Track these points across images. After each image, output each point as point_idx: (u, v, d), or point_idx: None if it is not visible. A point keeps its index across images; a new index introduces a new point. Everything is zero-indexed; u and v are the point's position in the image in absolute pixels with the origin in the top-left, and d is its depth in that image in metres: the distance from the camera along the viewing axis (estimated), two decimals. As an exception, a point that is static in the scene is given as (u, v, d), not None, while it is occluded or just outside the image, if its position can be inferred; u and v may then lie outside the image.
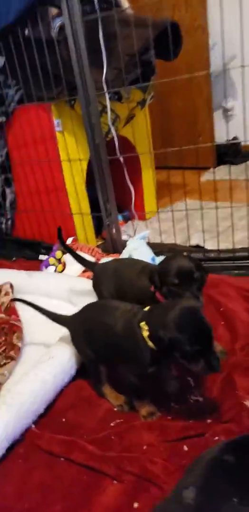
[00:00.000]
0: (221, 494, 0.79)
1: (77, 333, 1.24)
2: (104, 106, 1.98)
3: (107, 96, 1.92)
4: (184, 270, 1.18)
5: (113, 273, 1.46)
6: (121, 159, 1.98)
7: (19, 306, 1.68)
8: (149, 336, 1.02)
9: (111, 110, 1.98)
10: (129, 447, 1.05)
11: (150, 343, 1.02)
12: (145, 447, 1.05)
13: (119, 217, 2.38)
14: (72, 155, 2.09)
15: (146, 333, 1.03)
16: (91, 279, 1.62)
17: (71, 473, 1.01)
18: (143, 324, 1.04)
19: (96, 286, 1.53)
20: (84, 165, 2.13)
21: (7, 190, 2.45)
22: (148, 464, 0.99)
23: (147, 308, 1.09)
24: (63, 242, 1.66)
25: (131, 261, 1.54)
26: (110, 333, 1.12)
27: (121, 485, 0.97)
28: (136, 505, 0.92)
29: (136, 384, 1.11)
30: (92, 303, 1.31)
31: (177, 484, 0.86)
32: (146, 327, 1.03)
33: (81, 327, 1.23)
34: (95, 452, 1.02)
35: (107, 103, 1.95)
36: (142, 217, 2.55)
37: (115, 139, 1.93)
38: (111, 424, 1.14)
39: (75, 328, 1.25)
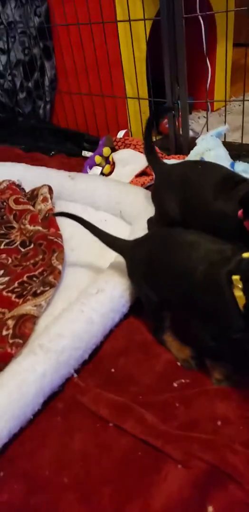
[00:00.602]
0: None
1: (137, 268, 0.94)
2: None
3: None
4: None
5: (181, 183, 1.06)
6: (201, 18, 1.44)
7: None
8: (245, 304, 0.70)
9: None
10: (198, 420, 0.80)
11: (243, 309, 0.70)
12: (219, 423, 0.79)
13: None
14: (134, 14, 1.55)
15: (238, 293, 0.70)
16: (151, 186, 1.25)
17: (122, 445, 0.78)
18: (236, 278, 0.71)
19: (156, 198, 1.16)
20: (148, 29, 1.60)
21: (47, 65, 1.98)
22: (226, 452, 0.74)
23: (246, 255, 0.73)
24: (149, 143, 1.21)
25: (208, 167, 1.07)
26: (185, 281, 0.80)
27: (189, 473, 0.73)
28: (210, 509, 0.69)
29: (213, 346, 0.81)
30: (161, 231, 0.98)
31: None
32: (240, 285, 0.70)
33: (142, 262, 0.92)
34: (157, 426, 0.78)
35: None
36: (210, 107, 2.04)
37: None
38: (174, 384, 0.88)
39: (135, 262, 0.95)
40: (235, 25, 2.00)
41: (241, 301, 0.71)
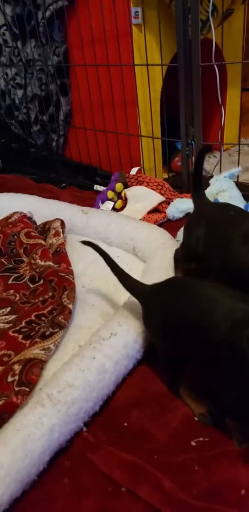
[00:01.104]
0: None
1: (153, 316, 0.89)
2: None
3: None
4: None
5: (212, 223, 1.02)
6: (216, 67, 1.45)
7: (71, 250, 1.34)
8: None
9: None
10: (220, 488, 0.72)
11: None
12: (243, 492, 0.71)
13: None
14: (151, 58, 1.58)
15: None
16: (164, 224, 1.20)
17: (136, 513, 0.70)
18: None
19: (186, 228, 1.13)
20: (164, 72, 1.62)
21: (62, 100, 2.00)
22: (253, 530, 0.66)
23: None
24: (198, 177, 1.16)
25: (240, 213, 1.02)
26: (206, 338, 0.75)
27: None
28: None
29: (235, 409, 0.74)
30: (181, 279, 0.94)
31: None
32: None
33: (159, 311, 0.87)
34: (175, 495, 0.70)
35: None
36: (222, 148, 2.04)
37: (213, 35, 1.39)
38: (192, 443, 0.80)
39: (151, 309, 0.90)
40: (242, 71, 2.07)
41: None
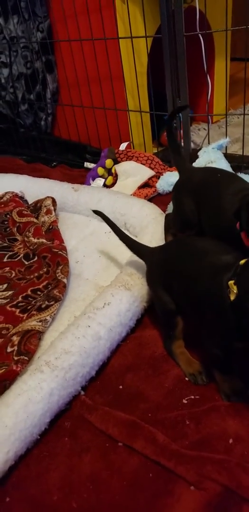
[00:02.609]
0: None
1: (154, 273, 0.97)
2: None
3: None
4: None
5: (201, 188, 1.06)
6: (201, 37, 1.45)
7: (63, 227, 1.37)
8: (234, 302, 0.71)
9: None
10: (210, 439, 0.78)
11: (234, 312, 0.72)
12: (231, 441, 0.77)
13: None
14: (135, 30, 1.57)
15: (233, 297, 0.71)
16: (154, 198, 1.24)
17: (133, 466, 0.76)
18: (231, 283, 0.72)
19: (175, 197, 1.17)
20: (149, 44, 1.61)
21: (49, 78, 1.99)
22: (240, 473, 0.71)
23: (242, 261, 0.73)
24: (174, 143, 1.21)
25: (226, 177, 1.06)
26: (194, 288, 0.82)
27: (203, 495, 0.70)
28: (227, 534, 0.66)
29: (220, 356, 0.80)
30: (178, 239, 1.01)
31: None
32: (235, 289, 0.71)
33: (159, 268, 0.95)
34: (168, 446, 0.75)
35: None
36: (210, 120, 2.05)
37: (197, 3, 1.38)
38: (184, 401, 0.86)
39: (153, 267, 0.98)
40: (231, 40, 2.04)
41: (234, 306, 0.71)
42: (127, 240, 1.07)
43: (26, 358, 0.85)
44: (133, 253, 1.06)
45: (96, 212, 1.15)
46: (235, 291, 0.71)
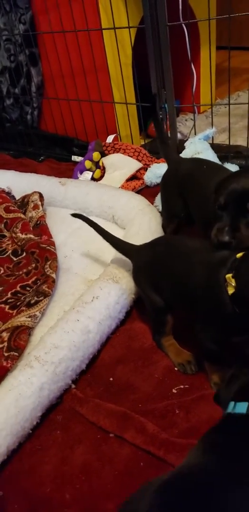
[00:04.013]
0: None
1: (141, 271, 0.96)
2: None
3: None
4: (238, 190, 0.78)
5: (187, 179, 1.07)
6: (184, 26, 1.45)
7: (51, 222, 1.36)
8: (233, 295, 0.71)
9: None
10: (198, 426, 0.80)
11: (235, 305, 0.72)
12: (219, 428, 0.79)
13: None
14: (118, 21, 1.55)
15: (231, 290, 0.71)
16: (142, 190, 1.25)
17: (124, 456, 0.77)
18: (229, 277, 0.72)
19: (162, 190, 1.19)
20: (133, 35, 1.60)
21: (33, 71, 1.96)
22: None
23: (240, 254, 0.74)
24: (161, 134, 1.22)
25: (212, 168, 1.08)
26: (186, 284, 0.82)
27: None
28: None
29: (213, 350, 0.81)
30: (165, 237, 1.02)
31: None
32: (233, 282, 0.71)
33: (147, 266, 0.94)
34: (158, 435, 0.77)
35: None
36: (197, 110, 2.05)
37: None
38: (174, 391, 0.87)
39: (140, 265, 0.97)
40: (216, 29, 2.03)
41: (232, 299, 0.72)
42: (111, 239, 1.05)
43: (16, 354, 0.85)
44: (119, 252, 1.05)
45: (76, 215, 1.13)
46: (233, 284, 0.71)
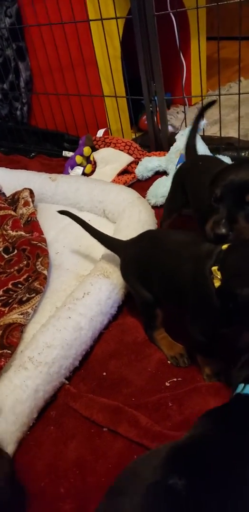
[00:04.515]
0: None
1: (130, 266, 0.95)
2: None
3: None
4: (236, 182, 0.77)
5: (187, 177, 1.08)
6: (172, 15, 1.43)
7: (42, 218, 1.36)
8: (219, 288, 0.70)
9: None
10: (192, 419, 0.80)
11: (220, 298, 0.71)
12: (212, 419, 0.80)
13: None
14: (106, 12, 1.54)
15: (217, 283, 0.71)
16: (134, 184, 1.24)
17: (117, 449, 0.78)
18: (215, 269, 0.71)
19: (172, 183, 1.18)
20: (121, 27, 1.59)
21: (21, 66, 1.94)
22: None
23: (224, 246, 0.74)
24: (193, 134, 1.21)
25: (208, 163, 1.06)
26: (175, 277, 0.82)
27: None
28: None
29: (203, 342, 0.82)
30: (152, 232, 0.99)
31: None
32: (219, 275, 0.71)
33: (135, 261, 0.93)
34: (151, 428, 0.78)
35: None
36: (188, 102, 2.04)
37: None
38: (167, 384, 0.88)
39: (128, 260, 0.96)
40: (207, 19, 2.01)
41: (218, 292, 0.72)
42: (98, 235, 1.05)
43: (9, 351, 0.85)
44: (106, 248, 1.05)
45: (63, 212, 1.13)
46: (219, 277, 0.71)
